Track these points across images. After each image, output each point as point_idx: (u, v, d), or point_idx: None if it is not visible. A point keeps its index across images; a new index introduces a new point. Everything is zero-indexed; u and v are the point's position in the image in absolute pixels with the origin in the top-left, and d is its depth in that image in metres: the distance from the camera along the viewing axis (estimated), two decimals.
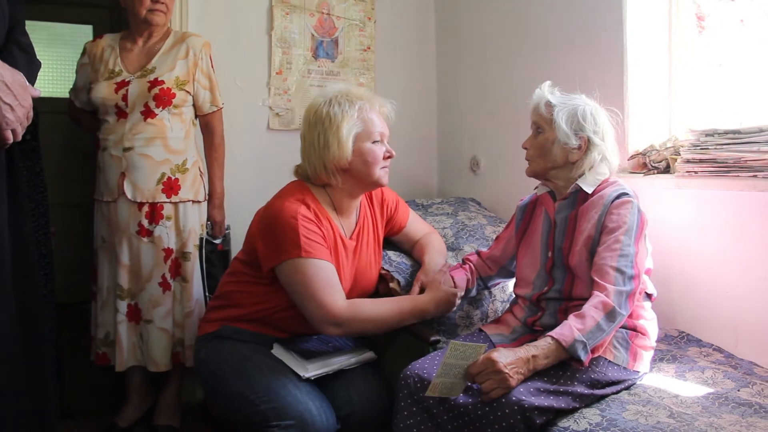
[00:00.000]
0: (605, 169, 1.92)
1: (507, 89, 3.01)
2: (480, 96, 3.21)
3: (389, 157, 2.04)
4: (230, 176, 2.80)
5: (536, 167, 1.96)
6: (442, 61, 3.50)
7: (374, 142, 2.00)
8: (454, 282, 2.11)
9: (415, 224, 2.33)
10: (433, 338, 2.01)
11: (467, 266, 2.23)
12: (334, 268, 1.96)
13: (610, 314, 1.66)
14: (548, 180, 1.97)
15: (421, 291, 2.09)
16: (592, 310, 1.66)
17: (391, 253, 2.34)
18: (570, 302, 1.86)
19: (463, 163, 3.34)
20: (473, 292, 2.23)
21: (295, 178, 2.12)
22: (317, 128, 1.99)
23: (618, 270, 1.72)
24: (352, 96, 2.00)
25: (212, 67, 2.64)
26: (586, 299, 1.74)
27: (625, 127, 2.33)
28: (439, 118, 3.53)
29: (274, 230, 1.93)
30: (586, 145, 1.89)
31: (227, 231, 2.75)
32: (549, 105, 1.90)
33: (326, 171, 2.00)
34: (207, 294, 2.62)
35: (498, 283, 2.29)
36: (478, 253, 2.28)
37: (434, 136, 3.55)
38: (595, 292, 1.70)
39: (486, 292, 2.30)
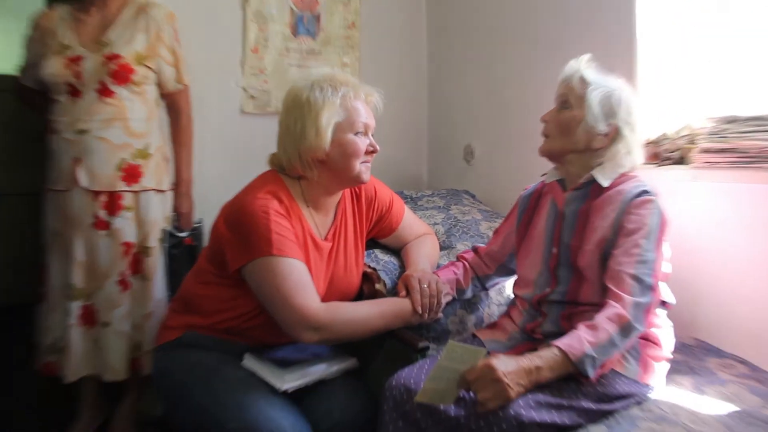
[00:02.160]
0: (627, 163, 1.90)
1: (507, 69, 3.02)
2: (476, 77, 3.22)
3: (372, 152, 2.04)
4: (199, 163, 2.79)
5: (553, 146, 1.93)
6: (434, 39, 3.52)
7: (357, 133, 1.99)
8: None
9: (410, 227, 2.35)
10: (421, 345, 2.00)
11: (461, 264, 2.23)
12: (307, 268, 1.94)
13: (625, 329, 1.65)
14: (562, 164, 1.95)
15: (408, 294, 2.07)
16: (605, 321, 1.65)
17: (378, 252, 2.34)
18: (575, 307, 1.85)
19: (456, 151, 3.35)
20: (468, 294, 2.22)
21: (269, 168, 2.11)
22: (294, 113, 1.98)
23: (636, 278, 1.70)
24: (336, 81, 2.00)
25: (177, 40, 2.61)
26: (593, 305, 1.74)
27: None
28: (430, 101, 3.57)
29: (242, 226, 1.92)
30: (614, 135, 1.87)
31: (198, 224, 2.74)
32: (583, 81, 1.88)
33: (301, 161, 1.99)
34: (169, 294, 2.60)
35: (497, 283, 2.29)
36: (475, 249, 2.27)
37: (424, 122, 3.59)
38: (610, 302, 1.69)
39: (482, 295, 2.29)
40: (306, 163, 1.98)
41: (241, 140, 3.09)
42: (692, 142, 2.24)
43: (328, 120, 1.95)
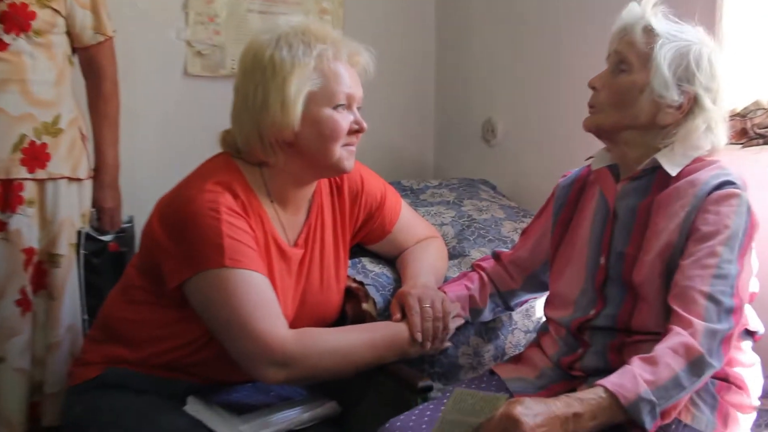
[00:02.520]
0: (705, 144, 1.89)
1: (539, 20, 3.02)
2: (499, 31, 3.23)
3: (358, 132, 2.03)
4: (129, 143, 2.79)
5: (604, 120, 1.91)
6: None
7: (337, 107, 1.98)
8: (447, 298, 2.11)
9: (409, 229, 2.36)
10: (422, 384, 2.00)
11: (476, 276, 2.23)
12: (271, 284, 1.94)
13: (696, 364, 1.62)
14: (615, 144, 1.94)
15: (405, 317, 2.07)
16: (669, 354, 1.62)
17: (366, 261, 2.35)
18: (628, 337, 1.83)
19: (471, 129, 3.36)
20: (486, 315, 2.22)
21: (221, 150, 2.10)
22: (254, 78, 1.97)
23: (711, 298, 1.68)
24: (311, 36, 1.98)
25: None
26: (652, 334, 1.73)
27: None
28: (438, 64, 3.58)
29: (183, 229, 1.91)
30: (690, 105, 1.84)
31: (127, 224, 2.75)
32: (650, 32, 1.85)
33: (262, 143, 1.98)
34: (86, 317, 2.59)
35: (525, 301, 2.29)
36: (496, 256, 2.27)
37: (431, 91, 3.61)
38: (675, 329, 1.66)
39: (505, 318, 2.29)
40: (268, 144, 1.98)
41: (184, 112, 3.09)
42: None
43: (299, 88, 1.93)
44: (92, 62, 2.64)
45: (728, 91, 1.90)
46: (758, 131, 2.28)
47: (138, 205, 2.69)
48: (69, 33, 2.58)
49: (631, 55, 1.87)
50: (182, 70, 3.12)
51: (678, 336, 1.64)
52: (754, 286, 1.87)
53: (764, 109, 2.30)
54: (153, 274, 1.98)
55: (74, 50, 2.62)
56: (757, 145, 2.27)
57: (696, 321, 1.65)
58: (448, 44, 3.50)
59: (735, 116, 2.32)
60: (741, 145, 2.28)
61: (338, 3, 3.35)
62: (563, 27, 2.89)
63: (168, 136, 3.05)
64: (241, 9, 3.17)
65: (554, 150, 2.92)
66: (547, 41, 2.95)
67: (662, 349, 1.63)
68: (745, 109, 2.32)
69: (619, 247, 1.89)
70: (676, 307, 1.70)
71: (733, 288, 1.69)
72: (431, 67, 3.57)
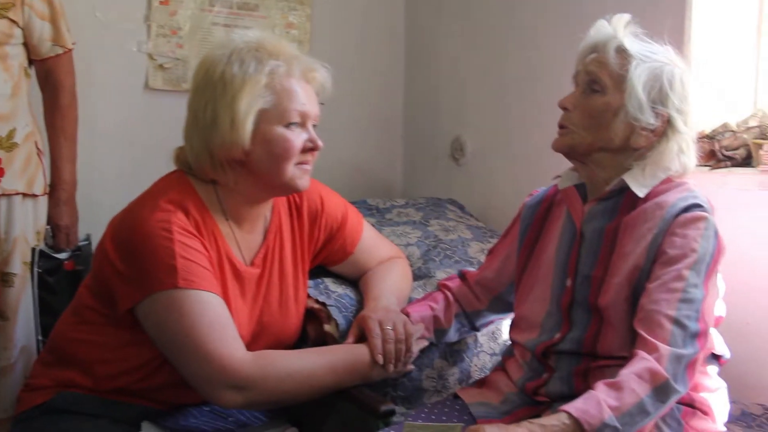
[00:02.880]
0: (676, 165, 1.89)
1: (508, 39, 3.03)
2: (469, 48, 3.24)
3: (312, 149, 2.02)
4: (87, 158, 2.78)
5: (576, 141, 1.90)
6: None
7: (290, 125, 1.97)
8: (410, 320, 2.11)
9: (372, 250, 2.35)
10: (384, 408, 1.98)
11: (441, 296, 2.23)
12: (225, 305, 1.93)
13: (661, 390, 1.62)
14: (585, 165, 1.94)
15: (364, 338, 2.07)
16: (634, 380, 1.62)
17: (329, 281, 2.34)
18: (594, 361, 1.84)
19: (440, 147, 3.37)
20: (451, 336, 2.22)
21: (176, 168, 2.09)
22: (205, 95, 1.96)
23: (677, 322, 1.68)
24: (264, 51, 1.98)
25: None
26: (617, 359, 1.73)
27: None
28: (407, 81, 3.60)
29: (134, 249, 1.90)
30: (664, 128, 1.85)
31: (84, 242, 2.74)
32: (623, 52, 1.85)
33: (212, 161, 1.97)
34: (40, 338, 2.58)
35: (491, 322, 2.29)
36: (462, 275, 2.27)
37: (399, 108, 3.61)
38: (641, 353, 1.66)
39: (470, 340, 2.29)
40: (219, 163, 1.97)
41: (145, 127, 3.07)
42: (763, 135, 2.25)
43: (249, 106, 1.93)
44: (50, 75, 2.64)
45: (696, 113, 1.91)
46: (726, 153, 2.29)
47: (96, 222, 2.60)
48: (26, 44, 2.59)
49: (603, 75, 1.86)
50: (143, 83, 3.11)
51: (643, 361, 1.64)
52: (720, 310, 1.88)
53: (732, 131, 2.31)
54: (105, 295, 1.97)
55: (31, 62, 2.62)
56: (725, 167, 2.28)
57: (661, 346, 1.65)
58: (417, 61, 3.52)
59: (703, 138, 2.33)
60: (709, 167, 2.30)
61: (305, 17, 3.35)
62: (532, 45, 2.90)
63: (128, 152, 3.04)
64: (206, 22, 3.17)
65: (523, 169, 2.94)
66: (516, 59, 2.96)
67: (627, 375, 1.63)
68: (713, 131, 2.33)
69: (586, 269, 1.89)
70: (641, 332, 1.70)
71: (698, 312, 1.70)
72: (400, 83, 3.58)
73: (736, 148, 2.28)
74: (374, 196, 3.12)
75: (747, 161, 2.26)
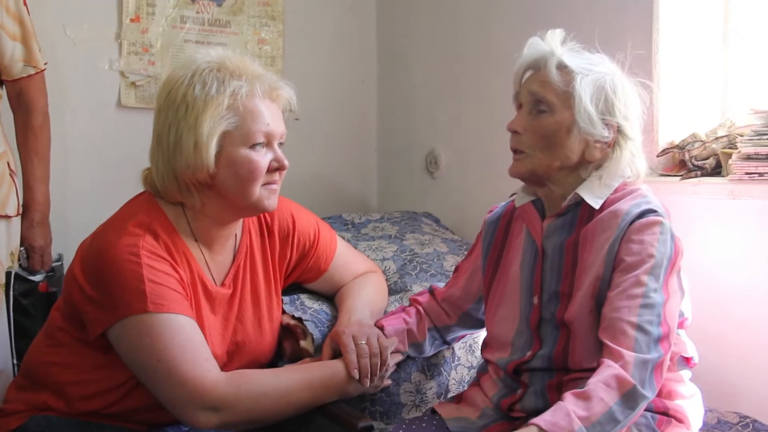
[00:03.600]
0: (627, 171, 1.90)
1: (484, 49, 3.02)
2: (442, 61, 3.23)
3: (278, 169, 2.01)
4: (60, 178, 2.77)
5: (536, 164, 1.90)
6: (388, 9, 3.53)
7: (254, 146, 1.96)
8: (384, 333, 2.11)
9: (346, 266, 2.35)
10: (362, 424, 1.97)
11: (413, 310, 2.23)
12: (198, 326, 1.93)
13: (629, 396, 1.63)
14: (543, 185, 1.95)
15: (337, 354, 2.07)
16: (601, 388, 1.63)
17: (305, 297, 2.34)
18: (565, 375, 1.85)
19: (414, 160, 3.37)
20: (426, 349, 2.22)
21: (144, 189, 2.09)
22: (168, 117, 1.96)
23: (640, 328, 1.70)
24: (226, 71, 1.95)
25: (25, 5, 2.60)
26: (589, 371, 1.71)
27: (654, 106, 2.35)
28: (381, 94, 3.59)
29: (102, 274, 1.89)
30: (615, 137, 1.86)
31: (58, 263, 2.73)
32: (564, 69, 1.86)
33: (178, 184, 1.97)
34: (16, 362, 2.57)
35: (461, 336, 2.29)
36: (432, 290, 2.28)
37: (372, 121, 3.60)
38: (606, 362, 1.67)
39: (447, 353, 2.29)
40: (185, 186, 1.96)
41: (118, 145, 3.05)
42: (732, 145, 2.25)
43: (212, 128, 1.91)
44: (22, 95, 2.62)
45: (639, 113, 1.91)
46: (696, 163, 2.29)
47: (69, 243, 2.65)
48: None
49: (549, 94, 1.87)
50: (116, 101, 3.10)
51: (609, 369, 1.65)
52: (686, 311, 1.90)
53: (701, 141, 2.31)
54: (76, 319, 1.96)
55: (1, 83, 2.62)
56: (695, 176, 2.28)
57: (626, 352, 1.66)
58: (390, 73, 3.50)
59: (673, 148, 2.35)
60: (680, 177, 2.30)
61: (278, 33, 3.33)
62: (506, 56, 2.84)
63: (101, 170, 3.03)
64: (177, 39, 3.16)
65: (498, 181, 2.88)
66: (491, 71, 2.95)
67: (594, 383, 1.64)
68: (683, 141, 2.34)
69: (552, 286, 1.90)
70: (606, 340, 1.71)
71: (660, 316, 1.71)
72: (373, 97, 3.59)
73: (706, 158, 2.28)
74: (350, 211, 3.11)
75: (717, 171, 2.27)
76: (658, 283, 1.75)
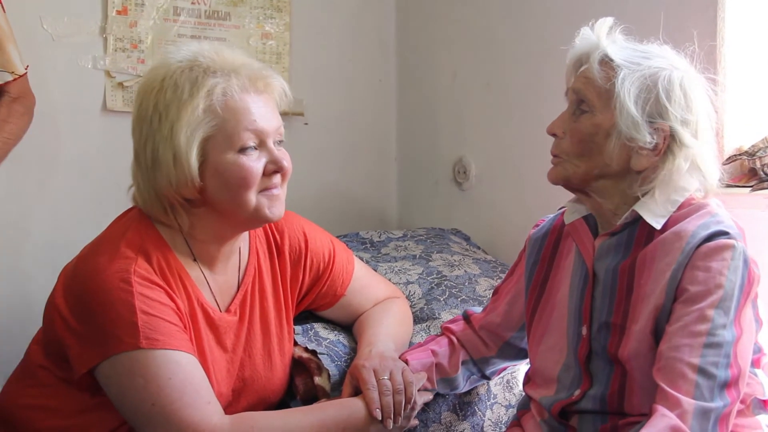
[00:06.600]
0: (693, 183, 1.87)
1: (514, 45, 3.03)
2: (472, 57, 3.24)
3: (276, 172, 1.99)
4: (37, 191, 2.84)
5: (570, 172, 1.90)
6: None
7: (243, 149, 1.94)
8: (409, 367, 2.11)
9: (365, 290, 2.37)
10: None
11: (445, 340, 2.23)
12: (198, 363, 1.92)
13: None
14: (586, 195, 1.93)
15: (358, 392, 2.06)
16: None
17: (319, 327, 2.35)
18: (620, 418, 1.82)
19: (440, 171, 3.39)
20: (459, 384, 2.22)
21: (132, 205, 2.09)
22: (143, 130, 1.95)
23: (702, 371, 1.66)
24: (198, 68, 1.94)
25: (0, 4, 2.63)
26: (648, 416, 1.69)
27: (719, 107, 2.26)
28: (400, 96, 3.61)
29: (88, 305, 1.89)
30: (667, 144, 1.82)
31: None
32: (608, 63, 1.83)
33: (162, 204, 1.97)
34: None
35: (503, 369, 2.30)
36: (467, 316, 2.28)
37: (391, 127, 3.63)
38: (661, 409, 1.64)
39: (481, 390, 2.30)
40: (170, 206, 1.96)
41: (105, 154, 3.05)
42: None
43: (190, 136, 1.90)
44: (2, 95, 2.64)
45: (711, 121, 1.87)
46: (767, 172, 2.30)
47: (49, 265, 2.61)
48: None
49: (590, 93, 1.86)
50: (101, 104, 3.11)
51: (664, 419, 1.62)
52: (765, 344, 1.87)
53: None
54: (59, 355, 1.95)
55: None
56: None
57: (684, 400, 1.63)
58: (411, 74, 3.53)
59: (742, 155, 2.34)
60: (750, 188, 2.29)
61: (284, 26, 3.35)
62: (541, 52, 2.90)
63: (84, 185, 3.03)
64: (170, 34, 3.17)
65: (535, 193, 2.92)
66: (523, 69, 2.97)
67: None
68: (753, 146, 2.33)
69: (603, 316, 1.88)
70: (661, 383, 1.68)
71: (729, 357, 1.67)
72: (392, 100, 3.60)
73: None
74: (367, 228, 3.12)
75: None
76: (728, 318, 1.70)
